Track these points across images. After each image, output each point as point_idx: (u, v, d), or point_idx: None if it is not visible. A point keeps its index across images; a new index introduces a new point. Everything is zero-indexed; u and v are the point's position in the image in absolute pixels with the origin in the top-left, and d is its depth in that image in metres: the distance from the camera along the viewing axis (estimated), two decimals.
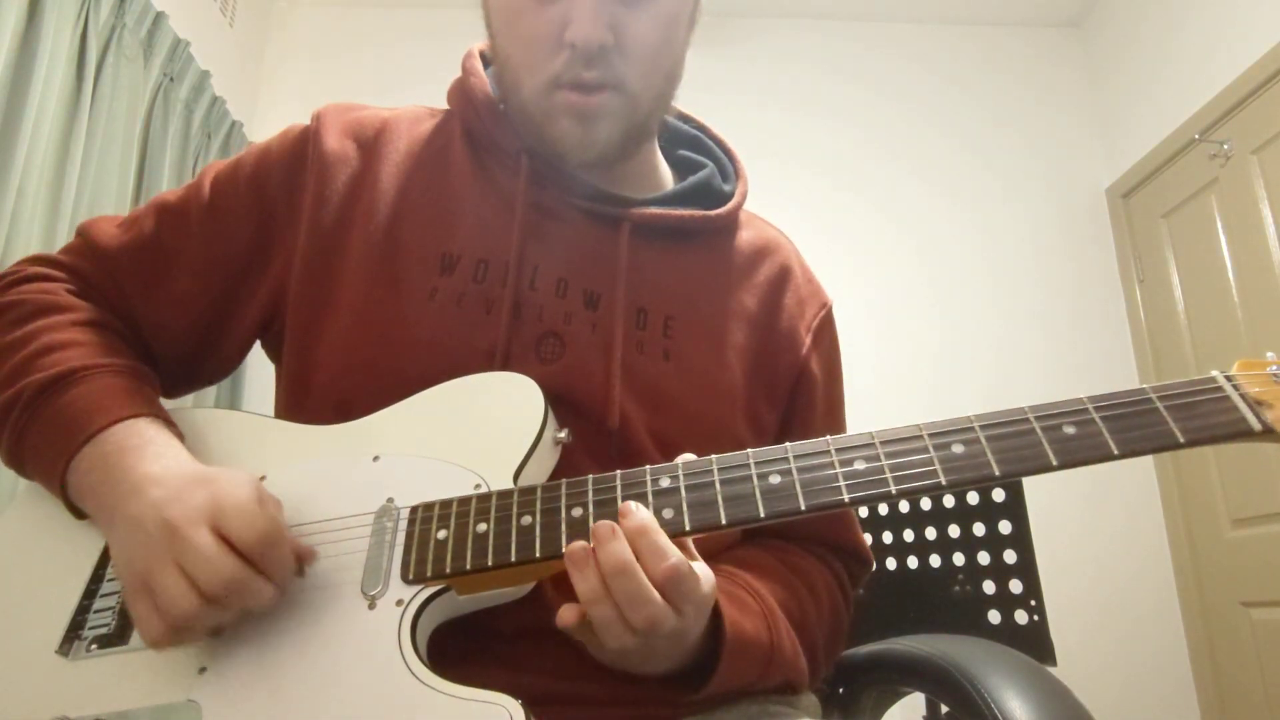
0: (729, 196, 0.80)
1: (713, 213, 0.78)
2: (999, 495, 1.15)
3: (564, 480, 0.57)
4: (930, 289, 2.77)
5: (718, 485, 0.55)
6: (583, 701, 0.61)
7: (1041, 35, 3.08)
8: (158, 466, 0.58)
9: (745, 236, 0.82)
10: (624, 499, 0.55)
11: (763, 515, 0.54)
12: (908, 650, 0.80)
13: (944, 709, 0.89)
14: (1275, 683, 2.16)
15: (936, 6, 3.02)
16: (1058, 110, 2.98)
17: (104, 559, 0.60)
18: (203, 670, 0.53)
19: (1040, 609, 1.18)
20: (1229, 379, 0.53)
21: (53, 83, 1.81)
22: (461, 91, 0.79)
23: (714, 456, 0.57)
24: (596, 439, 0.67)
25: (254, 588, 0.53)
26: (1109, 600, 2.46)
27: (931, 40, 3.05)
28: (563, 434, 0.63)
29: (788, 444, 0.56)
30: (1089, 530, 2.46)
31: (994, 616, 1.25)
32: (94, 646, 0.56)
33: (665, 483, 0.56)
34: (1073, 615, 2.25)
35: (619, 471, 0.57)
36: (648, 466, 0.57)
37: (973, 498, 1.18)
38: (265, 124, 2.84)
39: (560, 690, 0.60)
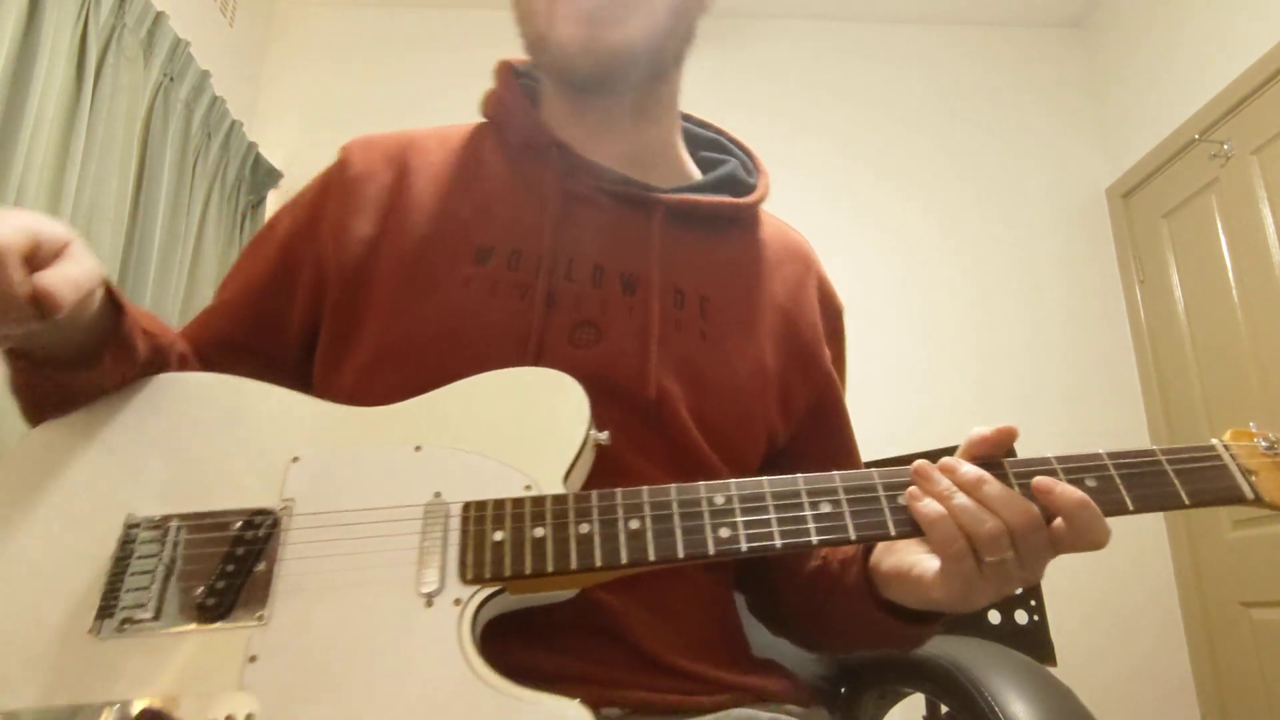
0: (753, 189, 0.82)
1: (741, 200, 0.79)
2: None
3: (618, 490, 0.58)
4: (930, 289, 2.77)
5: (771, 510, 0.57)
6: (613, 684, 0.61)
7: (1042, 35, 3.08)
8: None
9: (769, 231, 0.84)
10: (680, 515, 0.56)
11: (815, 542, 0.56)
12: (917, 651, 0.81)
13: (944, 709, 0.89)
14: (1275, 683, 2.16)
15: (936, 7, 3.02)
16: (1058, 110, 2.98)
17: (130, 529, 0.58)
18: (253, 659, 0.51)
19: (1040, 609, 1.18)
20: (1226, 448, 0.60)
21: (53, 83, 1.82)
22: (494, 96, 0.82)
23: (765, 479, 0.58)
24: (634, 419, 0.67)
25: None
26: (1109, 600, 2.46)
27: (931, 40, 3.05)
28: (603, 436, 0.63)
29: (836, 473, 0.59)
30: None
31: (994, 616, 1.25)
32: (127, 626, 0.53)
33: (719, 500, 0.57)
34: (1073, 615, 2.25)
35: (673, 486, 0.58)
36: (702, 483, 0.58)
37: None
38: (265, 124, 2.84)
39: (595, 674, 0.61)
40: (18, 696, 0.50)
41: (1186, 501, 0.57)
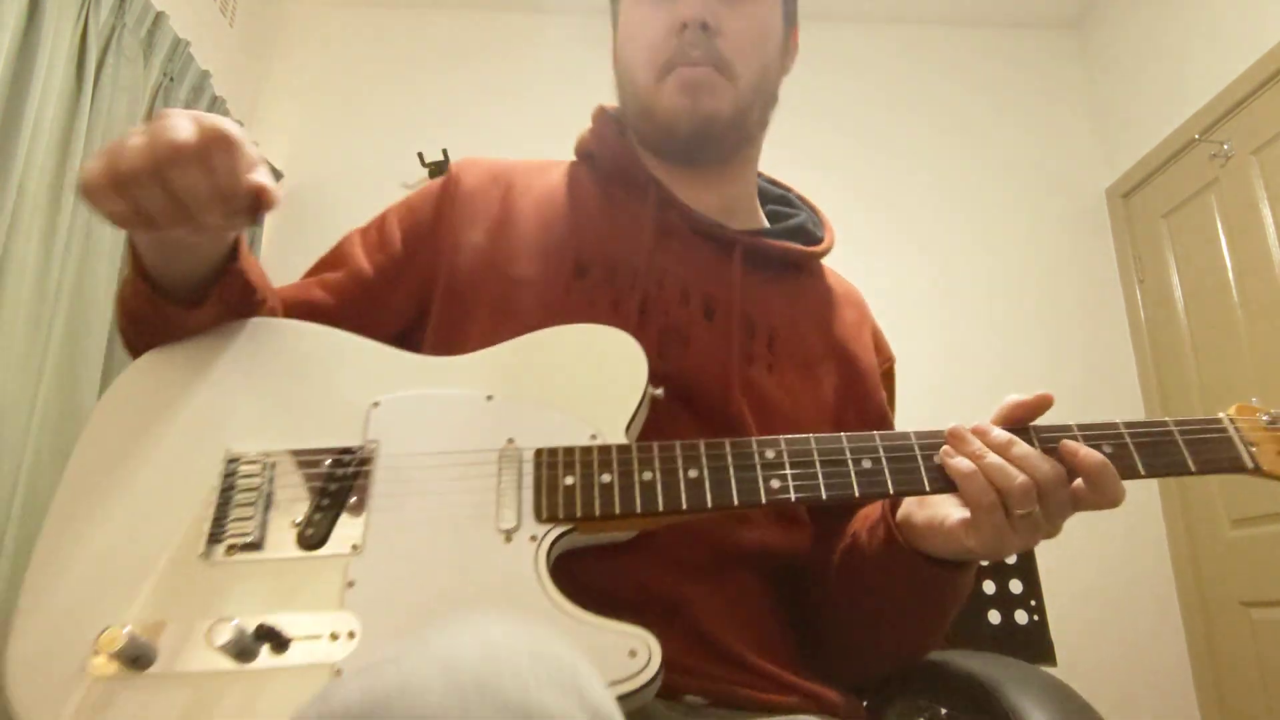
0: (819, 240, 0.90)
1: (811, 248, 0.88)
2: None
3: (677, 442, 0.62)
4: (930, 289, 2.77)
5: (818, 464, 0.62)
6: (687, 672, 0.65)
7: (1041, 35, 3.08)
8: None
9: (831, 281, 0.92)
10: (735, 466, 0.61)
11: (857, 495, 0.61)
12: (933, 664, 0.80)
13: None
14: (1275, 683, 2.16)
15: (936, 7, 3.02)
16: (1057, 110, 2.98)
17: (231, 462, 0.62)
18: (351, 584, 0.56)
19: (1040, 609, 1.18)
20: (1232, 421, 0.65)
21: (53, 83, 1.81)
22: (593, 135, 0.89)
23: (811, 436, 0.63)
24: (708, 431, 0.70)
25: (193, 169, 0.55)
26: (1109, 600, 2.46)
27: (931, 41, 3.05)
28: (659, 391, 0.68)
29: (876, 433, 0.64)
30: (1089, 530, 2.45)
31: (994, 616, 1.25)
32: (234, 551, 0.58)
33: (770, 454, 0.62)
34: (1073, 615, 2.25)
35: (726, 440, 0.62)
36: (753, 438, 0.63)
37: None
38: (265, 124, 2.84)
39: (669, 658, 0.64)
40: (139, 611, 0.55)
41: (1193, 469, 0.62)
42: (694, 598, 0.67)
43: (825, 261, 0.93)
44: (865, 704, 0.89)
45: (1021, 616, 1.18)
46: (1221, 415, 0.65)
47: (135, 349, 0.71)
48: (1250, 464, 0.62)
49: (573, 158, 0.92)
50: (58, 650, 0.53)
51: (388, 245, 0.84)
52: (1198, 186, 2.49)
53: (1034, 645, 1.09)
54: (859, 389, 0.85)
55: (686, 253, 0.81)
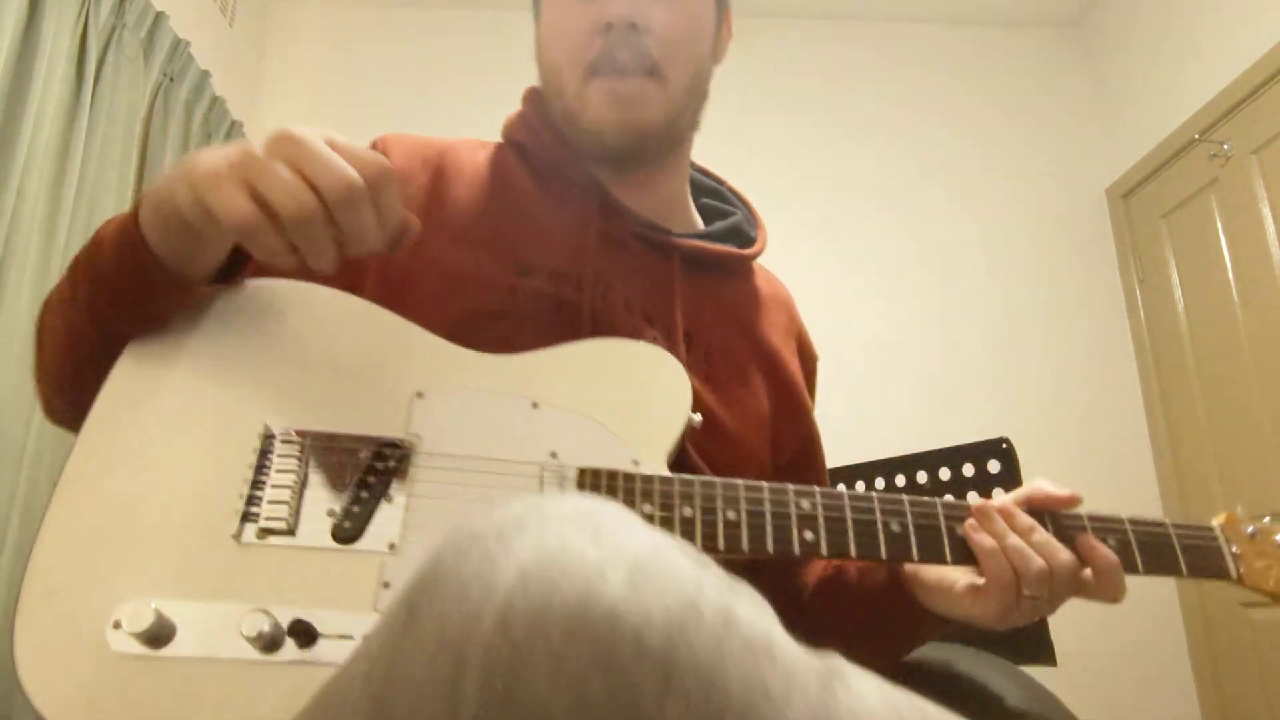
0: (753, 241, 0.89)
1: (746, 251, 0.86)
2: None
3: (717, 481, 0.61)
4: (930, 289, 2.77)
5: (849, 523, 0.62)
6: None
7: (1041, 35, 3.08)
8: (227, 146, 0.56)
9: (760, 281, 0.91)
10: (772, 514, 0.61)
11: (884, 557, 0.62)
12: (914, 660, 0.80)
13: None
14: (1275, 683, 2.16)
15: (936, 6, 3.02)
16: (1057, 110, 2.98)
17: (266, 439, 0.58)
18: (386, 585, 0.54)
19: (1025, 623, 1.18)
20: (1221, 530, 0.70)
21: (53, 83, 1.81)
22: (524, 125, 0.84)
23: (844, 492, 0.63)
24: None
25: (366, 209, 0.51)
26: None
27: (931, 40, 3.05)
28: (697, 418, 0.66)
29: (906, 498, 0.64)
30: None
31: None
32: (266, 535, 0.55)
33: (805, 505, 0.62)
34: (1073, 615, 2.24)
35: (765, 484, 0.62)
36: (790, 486, 0.62)
37: (973, 499, 1.17)
38: (265, 124, 2.84)
39: None
40: (166, 591, 0.51)
41: (1185, 573, 0.66)
42: None
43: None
44: None
45: (1009, 626, 1.18)
46: (1214, 524, 0.70)
47: (111, 330, 0.61)
48: (1234, 574, 0.68)
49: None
50: (74, 623, 0.50)
51: None
52: (1198, 186, 2.49)
53: (1034, 645, 1.08)
54: (790, 402, 0.84)
55: (628, 260, 0.79)
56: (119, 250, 0.59)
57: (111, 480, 0.55)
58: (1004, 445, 1.13)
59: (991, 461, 1.15)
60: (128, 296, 0.59)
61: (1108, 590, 0.63)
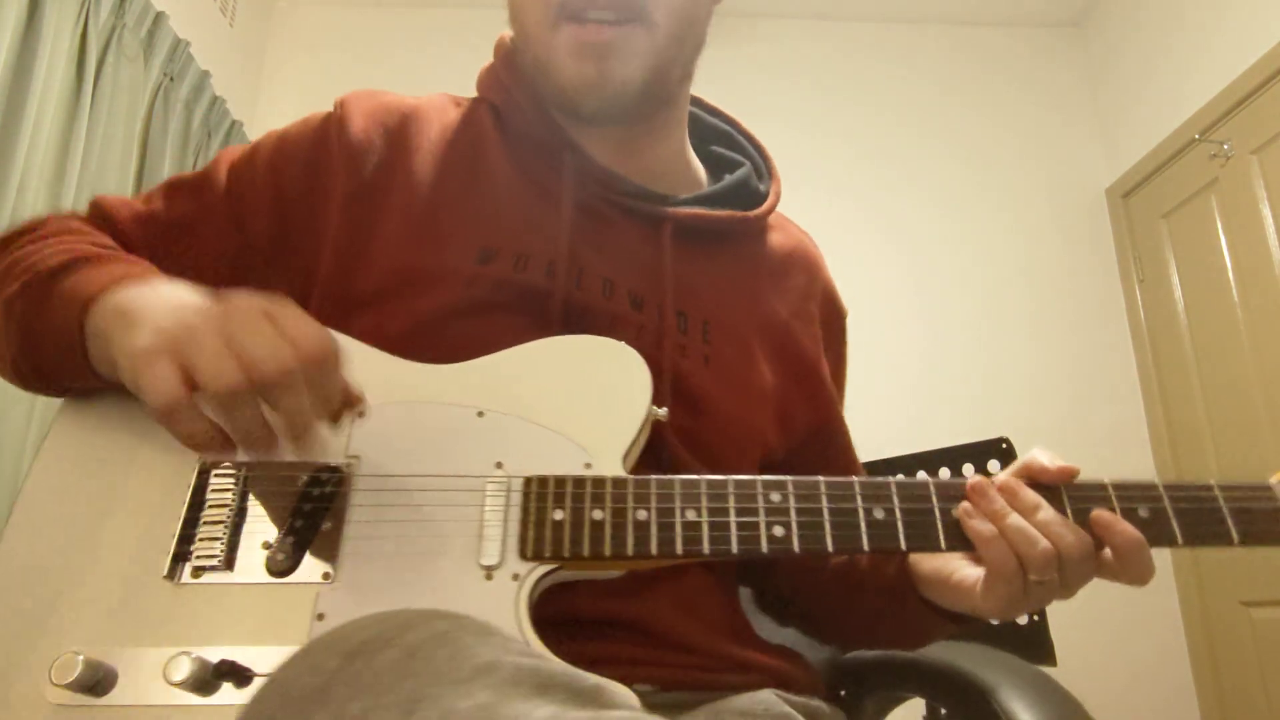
0: (764, 196, 0.79)
1: (750, 214, 0.77)
2: None
3: (676, 479, 0.57)
4: (930, 289, 2.77)
5: (826, 512, 0.56)
6: (636, 663, 0.62)
7: (1041, 35, 3.08)
8: (186, 290, 0.54)
9: (776, 239, 0.81)
10: (736, 510, 0.56)
11: (866, 549, 0.56)
12: (913, 655, 0.80)
13: (943, 712, 0.89)
14: (1275, 683, 2.16)
15: (936, 6, 3.02)
16: (1058, 110, 2.98)
17: (201, 475, 0.57)
18: (321, 617, 0.52)
19: (1040, 608, 1.18)
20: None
21: (53, 83, 1.82)
22: (495, 80, 0.76)
23: (822, 480, 0.58)
24: None
25: (300, 393, 0.47)
26: (1109, 600, 2.44)
27: (931, 41, 3.05)
28: (661, 412, 0.62)
29: (892, 479, 0.58)
30: None
31: None
32: (201, 573, 0.54)
33: (775, 498, 0.57)
34: (1073, 615, 2.24)
35: (730, 479, 0.57)
36: (759, 479, 0.57)
37: None
38: (265, 124, 2.83)
39: (619, 654, 0.60)
40: (97, 637, 0.51)
41: (1236, 541, 0.56)
42: (643, 606, 0.62)
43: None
44: (843, 693, 0.89)
45: (1021, 616, 1.18)
46: (1272, 482, 0.58)
47: (25, 376, 0.63)
48: None
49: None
50: (12, 678, 0.50)
51: (267, 187, 0.71)
52: (1198, 186, 2.49)
53: (1034, 645, 1.08)
54: (803, 377, 0.77)
55: (609, 236, 0.70)
56: (60, 349, 0.58)
57: (47, 525, 0.55)
58: (1004, 445, 1.13)
59: (991, 461, 1.15)
60: (63, 372, 0.60)
61: (1131, 571, 0.55)
